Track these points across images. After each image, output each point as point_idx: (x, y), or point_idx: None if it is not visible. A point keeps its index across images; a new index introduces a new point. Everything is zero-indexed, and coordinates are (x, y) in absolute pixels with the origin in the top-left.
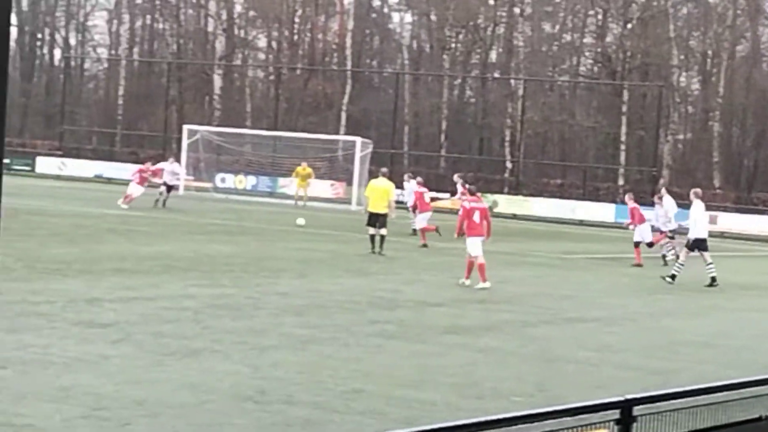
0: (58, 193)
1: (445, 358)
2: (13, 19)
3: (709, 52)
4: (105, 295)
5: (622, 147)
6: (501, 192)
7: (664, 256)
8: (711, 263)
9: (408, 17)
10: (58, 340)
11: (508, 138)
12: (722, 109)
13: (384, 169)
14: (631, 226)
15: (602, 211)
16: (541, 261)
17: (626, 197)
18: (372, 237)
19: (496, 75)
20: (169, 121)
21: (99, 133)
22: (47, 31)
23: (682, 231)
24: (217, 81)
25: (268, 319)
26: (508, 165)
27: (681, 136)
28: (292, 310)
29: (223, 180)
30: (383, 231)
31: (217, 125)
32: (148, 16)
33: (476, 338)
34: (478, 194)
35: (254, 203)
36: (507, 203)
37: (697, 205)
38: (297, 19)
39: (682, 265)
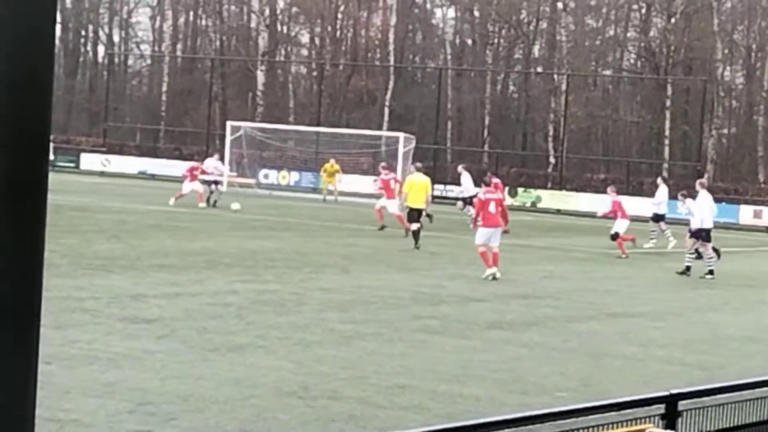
0: (102, 189)
1: (488, 354)
2: (57, 16)
3: (754, 46)
4: (149, 291)
5: (666, 142)
6: (544, 187)
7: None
8: (712, 256)
9: (451, 12)
10: (102, 336)
11: (551, 133)
12: (766, 103)
13: (418, 164)
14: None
15: (646, 206)
16: (584, 256)
17: (608, 189)
18: (415, 233)
19: (539, 70)
20: (212, 118)
21: (142, 129)
22: (91, 28)
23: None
24: (260, 77)
25: (312, 315)
26: (552, 160)
27: (725, 131)
28: (336, 305)
29: (266, 176)
30: (416, 225)
31: (260, 121)
32: (191, 13)
33: (520, 333)
34: (497, 183)
35: (297, 199)
36: (550, 198)
37: (704, 196)
38: (340, 15)
39: (695, 255)
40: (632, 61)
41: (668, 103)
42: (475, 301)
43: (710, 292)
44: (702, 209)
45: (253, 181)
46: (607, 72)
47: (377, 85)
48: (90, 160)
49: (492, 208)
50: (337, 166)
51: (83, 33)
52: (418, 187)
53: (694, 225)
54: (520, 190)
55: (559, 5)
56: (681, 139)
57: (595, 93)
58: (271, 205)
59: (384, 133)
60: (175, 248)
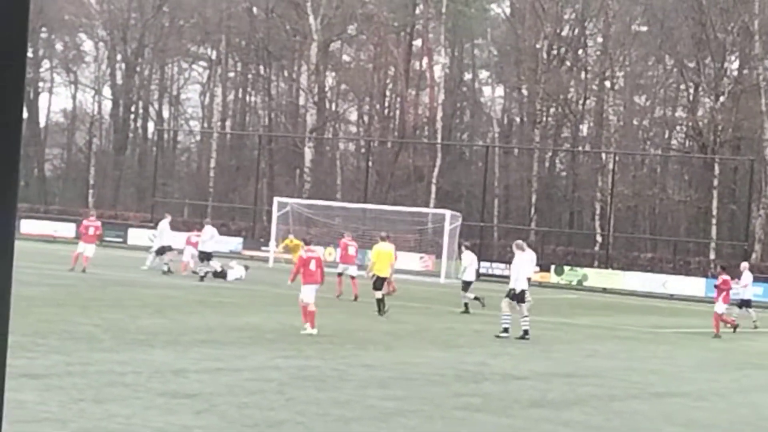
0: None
1: None
2: (108, 92)
3: None
4: (191, 365)
5: (713, 221)
6: (591, 266)
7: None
8: (526, 316)
9: (499, 91)
10: (142, 411)
11: (598, 211)
12: None
13: (384, 233)
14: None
15: (693, 285)
16: (629, 335)
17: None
18: (379, 301)
19: (587, 148)
20: (259, 194)
21: (190, 205)
22: (141, 104)
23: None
24: (308, 153)
25: (353, 391)
26: (598, 238)
27: None
28: (377, 382)
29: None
30: (380, 293)
31: (308, 198)
32: (240, 90)
33: (561, 412)
34: (311, 246)
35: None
36: (597, 277)
37: (526, 255)
38: (388, 93)
39: (509, 315)
40: (680, 140)
41: (716, 182)
42: (517, 379)
43: (756, 372)
44: (519, 270)
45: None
46: (655, 151)
47: (424, 162)
48: (137, 235)
49: (312, 266)
50: (297, 241)
51: (133, 109)
52: (384, 256)
53: (512, 285)
54: (567, 268)
55: (607, 84)
56: (728, 219)
57: (642, 172)
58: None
59: (431, 210)
60: (219, 323)
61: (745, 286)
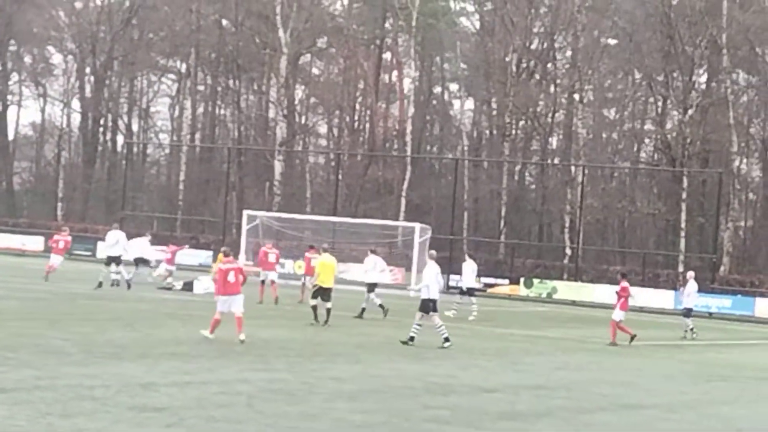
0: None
1: None
2: (77, 105)
3: None
4: (160, 379)
5: (682, 234)
6: (560, 278)
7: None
8: (441, 325)
9: (469, 104)
10: (111, 424)
11: (567, 224)
12: None
13: (326, 245)
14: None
15: (662, 298)
16: (599, 347)
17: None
18: (314, 308)
19: (556, 161)
20: (229, 207)
21: (160, 218)
22: (110, 117)
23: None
24: (278, 166)
25: (322, 404)
26: (568, 251)
27: (741, 223)
28: (346, 395)
29: (282, 265)
30: (329, 304)
31: (277, 211)
32: (210, 103)
33: (531, 425)
34: (231, 256)
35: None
36: (566, 289)
37: (431, 267)
38: (358, 106)
39: (419, 326)
40: (649, 153)
41: (684, 195)
42: (486, 391)
43: (724, 384)
44: (430, 281)
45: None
46: (624, 164)
47: (394, 175)
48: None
49: (231, 277)
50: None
51: (102, 122)
52: (330, 268)
53: (424, 296)
54: (536, 281)
55: (576, 97)
56: (697, 232)
57: (611, 185)
58: (287, 294)
59: (400, 223)
60: (188, 337)
61: (689, 295)
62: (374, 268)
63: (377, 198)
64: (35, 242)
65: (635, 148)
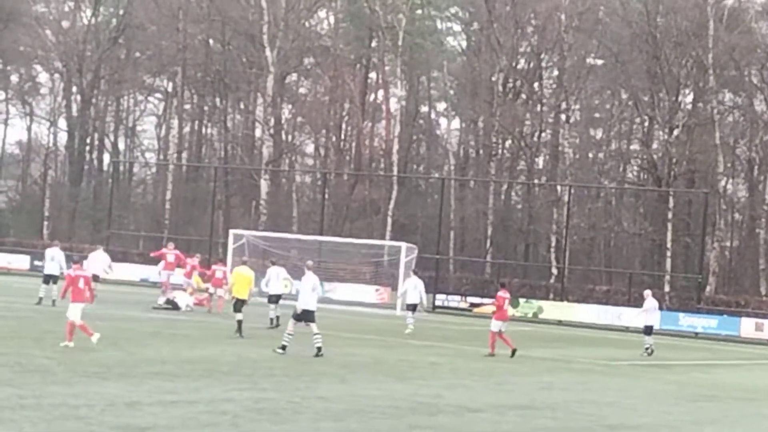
0: (104, 296)
1: None
2: (63, 124)
3: (756, 159)
4: (145, 398)
5: (668, 254)
6: (546, 298)
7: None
8: (318, 333)
9: (455, 123)
10: None
11: (553, 244)
12: None
13: (245, 258)
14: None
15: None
16: (585, 367)
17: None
18: (239, 322)
19: (542, 181)
20: (215, 226)
21: (146, 237)
22: (96, 136)
23: None
24: (264, 186)
25: (308, 424)
26: (554, 271)
27: (727, 243)
28: (332, 414)
29: (267, 284)
30: (240, 316)
31: (263, 230)
32: (196, 122)
33: None
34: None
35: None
36: (552, 309)
37: (308, 277)
38: (344, 125)
39: (290, 335)
40: (635, 173)
41: (670, 215)
42: (472, 411)
43: (709, 404)
44: (305, 290)
45: (255, 289)
46: (610, 184)
47: (380, 194)
48: (92, 267)
49: (81, 284)
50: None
51: (88, 141)
52: (243, 279)
53: (300, 306)
54: (522, 300)
55: (563, 117)
56: (683, 251)
57: (597, 205)
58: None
59: (386, 242)
60: (173, 356)
61: (646, 311)
62: (276, 279)
63: (363, 217)
64: (21, 261)
65: (621, 168)
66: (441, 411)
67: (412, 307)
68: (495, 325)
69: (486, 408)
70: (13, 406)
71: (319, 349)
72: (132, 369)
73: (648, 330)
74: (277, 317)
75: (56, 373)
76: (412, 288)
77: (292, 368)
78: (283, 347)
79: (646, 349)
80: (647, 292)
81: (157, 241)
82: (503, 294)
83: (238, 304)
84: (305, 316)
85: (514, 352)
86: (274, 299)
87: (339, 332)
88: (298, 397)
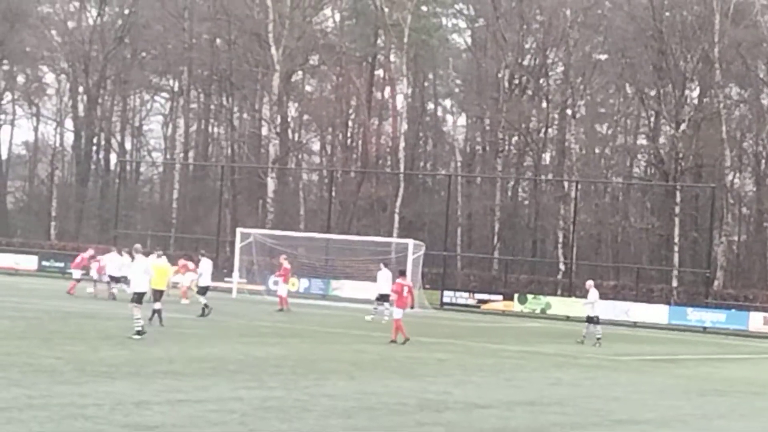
0: (124, 296)
1: None
2: (70, 124)
3: (763, 153)
4: (153, 397)
5: (676, 248)
6: (554, 294)
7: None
8: (139, 318)
9: (462, 120)
10: None
11: (561, 240)
12: None
13: (160, 251)
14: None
15: (656, 313)
16: (593, 363)
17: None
18: (159, 312)
19: (549, 177)
20: (222, 224)
21: (153, 236)
22: (103, 136)
23: None
24: (271, 184)
25: (316, 422)
26: (561, 267)
27: (735, 238)
28: (340, 412)
29: (275, 282)
30: (158, 305)
31: (270, 228)
32: (203, 121)
33: None
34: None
35: (306, 305)
36: (560, 305)
37: (139, 260)
38: (350, 123)
39: (139, 318)
40: (642, 168)
41: (677, 210)
42: (480, 407)
43: (718, 399)
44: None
45: (262, 287)
46: (617, 179)
47: (387, 192)
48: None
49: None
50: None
51: (95, 141)
52: (160, 272)
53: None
54: (530, 296)
55: (569, 113)
56: (691, 246)
57: (604, 200)
58: (280, 311)
59: (394, 239)
60: (181, 355)
61: (591, 304)
62: (206, 272)
63: (370, 215)
64: (28, 261)
65: (628, 163)
66: (449, 408)
67: (382, 297)
68: (397, 312)
69: (494, 404)
70: (21, 406)
71: (138, 332)
72: (140, 368)
73: (594, 320)
74: (206, 306)
75: (64, 373)
76: (384, 281)
77: (300, 366)
78: (138, 332)
79: (598, 338)
80: (589, 283)
81: (165, 240)
82: (402, 281)
83: (156, 294)
84: (136, 298)
85: (406, 340)
86: (203, 291)
87: (347, 329)
88: (306, 394)
